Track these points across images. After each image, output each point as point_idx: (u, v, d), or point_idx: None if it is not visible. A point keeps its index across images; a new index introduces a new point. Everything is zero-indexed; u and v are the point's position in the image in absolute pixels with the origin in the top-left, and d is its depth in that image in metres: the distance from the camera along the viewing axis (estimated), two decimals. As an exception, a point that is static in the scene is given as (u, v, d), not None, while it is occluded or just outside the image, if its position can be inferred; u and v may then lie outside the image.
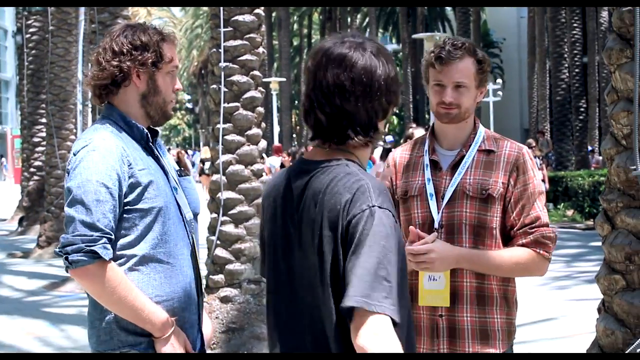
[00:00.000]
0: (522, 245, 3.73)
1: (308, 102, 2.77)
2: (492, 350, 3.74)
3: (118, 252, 3.40)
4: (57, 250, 3.31)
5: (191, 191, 3.78)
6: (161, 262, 3.48)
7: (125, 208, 3.41)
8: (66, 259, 3.25)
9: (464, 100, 3.75)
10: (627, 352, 3.99)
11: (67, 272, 3.33)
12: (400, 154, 4.02)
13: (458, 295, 3.73)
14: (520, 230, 3.75)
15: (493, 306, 3.76)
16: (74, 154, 3.45)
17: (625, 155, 4.07)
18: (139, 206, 3.43)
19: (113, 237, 3.34)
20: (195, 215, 3.81)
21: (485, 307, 3.75)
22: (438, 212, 3.74)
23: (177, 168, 3.83)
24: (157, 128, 3.73)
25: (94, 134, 3.50)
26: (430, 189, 3.79)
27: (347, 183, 2.66)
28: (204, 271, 9.16)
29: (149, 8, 73.78)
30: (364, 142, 2.75)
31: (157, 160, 3.62)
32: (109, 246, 3.30)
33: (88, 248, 3.23)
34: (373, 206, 2.59)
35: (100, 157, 3.38)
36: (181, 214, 3.61)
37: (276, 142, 39.60)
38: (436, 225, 3.73)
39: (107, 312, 3.43)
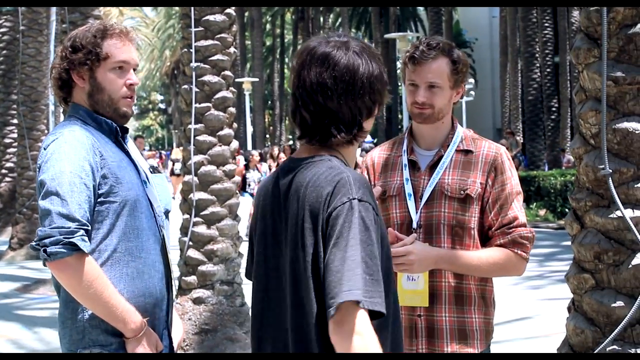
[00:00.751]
0: (500, 245, 3.75)
1: (294, 100, 2.81)
2: (470, 350, 3.76)
3: (94, 246, 3.38)
4: (34, 243, 3.28)
5: (162, 188, 3.79)
6: (133, 256, 3.47)
7: (98, 200, 3.40)
8: (44, 251, 3.22)
9: (437, 101, 3.76)
10: (596, 350, 4.01)
11: (44, 265, 3.31)
12: (378, 153, 4.03)
13: (437, 295, 3.75)
14: (498, 231, 3.77)
15: (471, 306, 3.78)
16: (44, 148, 3.45)
17: (594, 154, 4.09)
18: (110, 198, 3.42)
19: (89, 228, 3.32)
20: (166, 212, 3.80)
21: (464, 307, 3.77)
22: (416, 212, 3.76)
23: (150, 165, 3.81)
24: (126, 126, 3.73)
25: (63, 128, 3.50)
26: (408, 188, 3.80)
27: (329, 176, 2.69)
28: (175, 272, 9.13)
29: (120, 8, 73.48)
30: (347, 139, 2.79)
31: (127, 154, 3.61)
32: (86, 238, 3.28)
33: (66, 240, 3.21)
34: (354, 199, 2.61)
35: (71, 148, 3.38)
36: (152, 208, 3.60)
37: (249, 143, 39.53)
38: (414, 225, 3.75)
39: (79, 311, 3.41)
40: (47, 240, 3.22)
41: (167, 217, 3.82)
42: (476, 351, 3.76)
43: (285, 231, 2.79)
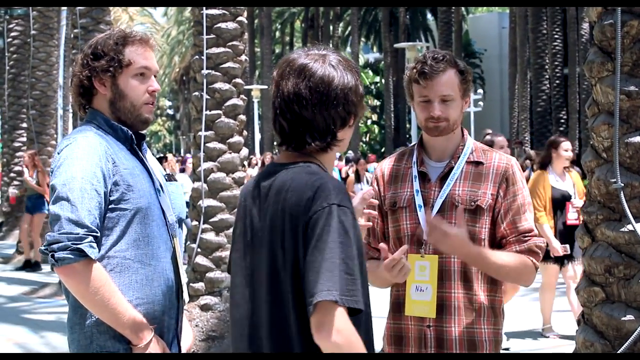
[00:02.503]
0: (517, 252, 3.77)
1: (273, 109, 2.92)
2: None
3: (103, 253, 3.39)
4: (43, 248, 3.29)
5: (177, 196, 3.80)
6: (142, 264, 3.47)
7: (109, 207, 3.41)
8: (52, 256, 3.23)
9: (451, 113, 3.76)
10: (619, 351, 4.00)
11: (52, 270, 3.32)
12: (388, 165, 4.02)
13: (446, 305, 3.75)
14: (514, 238, 3.78)
15: (481, 317, 3.78)
16: (58, 153, 3.47)
17: (606, 168, 4.10)
18: (121, 205, 3.43)
19: (99, 234, 3.33)
20: (180, 220, 3.81)
21: (473, 317, 3.77)
22: (427, 223, 3.75)
23: (165, 173, 3.82)
24: (143, 133, 3.75)
25: (78, 133, 3.52)
26: (419, 200, 3.80)
27: (309, 181, 2.81)
28: (184, 278, 9.13)
29: (131, 14, 73.55)
30: (321, 147, 2.90)
31: (142, 162, 3.63)
32: (95, 244, 3.29)
33: (74, 246, 3.22)
34: (332, 204, 2.73)
35: (84, 154, 3.39)
36: (164, 217, 3.60)
37: (257, 150, 39.59)
38: (425, 236, 3.74)
39: (87, 317, 3.41)
40: (55, 246, 3.23)
41: (180, 225, 3.83)
42: None
43: (263, 231, 2.90)
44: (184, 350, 3.76)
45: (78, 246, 3.23)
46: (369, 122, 63.74)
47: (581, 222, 4.34)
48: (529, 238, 3.79)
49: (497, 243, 3.80)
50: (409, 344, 3.80)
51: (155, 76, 3.69)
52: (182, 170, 17.35)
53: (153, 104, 3.66)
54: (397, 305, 3.87)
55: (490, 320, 3.82)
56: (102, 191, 3.36)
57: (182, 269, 3.73)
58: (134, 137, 3.62)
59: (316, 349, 2.73)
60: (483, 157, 3.86)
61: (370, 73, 70.02)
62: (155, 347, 3.44)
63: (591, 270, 4.20)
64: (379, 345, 3.49)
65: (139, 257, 3.47)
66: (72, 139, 3.49)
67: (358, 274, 2.72)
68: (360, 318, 2.79)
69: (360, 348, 2.72)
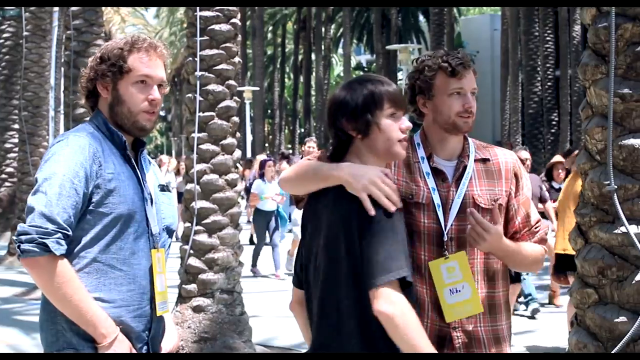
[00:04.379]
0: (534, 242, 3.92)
1: None
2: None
3: (74, 251, 3.43)
4: (15, 237, 3.34)
5: (168, 207, 3.82)
6: (113, 268, 3.50)
7: (88, 208, 3.45)
8: (18, 247, 3.29)
9: (475, 109, 3.81)
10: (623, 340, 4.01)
11: (18, 259, 3.37)
12: None
13: None
14: (528, 231, 3.91)
15: (501, 313, 3.85)
16: (49, 148, 3.54)
17: (599, 170, 4.10)
18: (100, 209, 3.47)
19: (70, 233, 3.37)
20: (170, 231, 3.82)
21: (496, 315, 3.82)
22: (445, 225, 3.73)
23: (162, 183, 3.86)
24: (144, 140, 3.78)
25: (72, 132, 3.59)
26: (437, 199, 3.75)
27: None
28: (176, 280, 9.14)
29: (123, 15, 73.38)
30: None
31: (134, 169, 3.64)
32: (63, 242, 3.33)
33: (40, 240, 3.27)
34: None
35: (71, 152, 3.44)
36: (148, 226, 3.63)
37: (249, 151, 39.55)
38: (445, 237, 3.72)
39: (55, 315, 3.45)
40: (23, 237, 3.29)
41: (170, 235, 3.82)
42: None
43: (319, 237, 3.40)
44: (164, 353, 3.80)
45: (44, 241, 3.28)
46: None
47: (575, 224, 4.36)
48: (538, 228, 3.94)
49: (510, 236, 3.85)
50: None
51: (162, 85, 3.70)
52: (262, 176, 16.70)
53: (153, 113, 3.67)
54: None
55: (506, 315, 3.90)
56: (81, 191, 3.40)
57: (160, 279, 3.70)
58: (127, 143, 3.65)
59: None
60: (487, 153, 3.91)
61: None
62: (120, 347, 3.46)
63: (584, 272, 4.21)
64: None
65: (109, 261, 3.50)
66: (65, 136, 3.55)
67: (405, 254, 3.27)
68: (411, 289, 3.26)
69: (413, 318, 3.19)
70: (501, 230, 3.67)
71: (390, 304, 3.15)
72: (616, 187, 3.99)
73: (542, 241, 3.95)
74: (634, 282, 3.97)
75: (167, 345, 3.84)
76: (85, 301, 3.38)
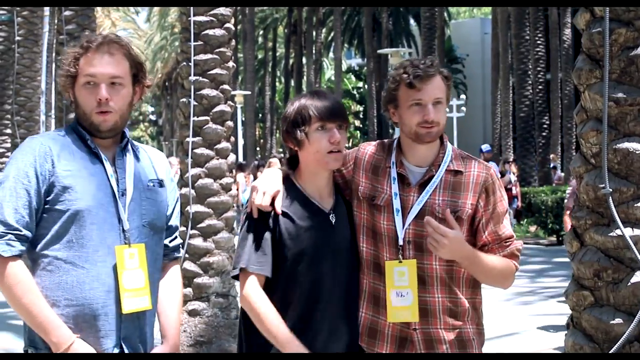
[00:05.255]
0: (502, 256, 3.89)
1: None
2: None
3: (37, 250, 3.46)
4: None
5: (154, 203, 3.76)
6: (75, 266, 3.48)
7: (45, 207, 3.47)
8: None
9: (441, 117, 3.81)
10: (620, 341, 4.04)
11: None
12: (369, 153, 4.03)
13: (430, 309, 3.82)
14: (497, 245, 3.89)
15: (465, 317, 3.88)
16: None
17: (594, 173, 4.14)
18: (57, 207, 3.48)
19: (25, 232, 3.40)
20: (156, 227, 3.77)
21: (458, 319, 3.86)
22: (402, 228, 3.81)
23: (153, 178, 3.82)
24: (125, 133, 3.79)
25: (32, 136, 3.67)
26: (396, 204, 3.83)
27: None
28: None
29: (114, 19, 73.30)
30: None
31: (103, 164, 3.64)
32: (16, 243, 3.37)
33: None
34: None
35: (21, 155, 3.50)
36: (120, 222, 3.60)
37: (240, 155, 39.57)
38: (400, 241, 3.80)
39: None
40: None
41: (156, 232, 3.78)
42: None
43: None
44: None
45: None
46: (351, 127, 63.86)
47: (570, 227, 4.40)
48: (510, 243, 3.92)
49: (479, 249, 3.87)
50: (384, 340, 3.87)
51: (115, 82, 3.64)
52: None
53: (106, 113, 3.62)
54: (377, 299, 3.92)
55: (474, 320, 3.94)
56: (33, 190, 3.44)
57: (131, 276, 3.62)
58: (89, 140, 3.64)
59: None
60: (462, 166, 3.91)
61: (353, 78, 70.14)
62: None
63: (580, 274, 4.25)
64: None
65: (71, 259, 3.49)
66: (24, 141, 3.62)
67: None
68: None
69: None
70: (461, 236, 3.70)
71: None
72: (611, 190, 4.02)
73: (513, 256, 3.94)
74: (629, 284, 4.00)
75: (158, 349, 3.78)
76: (36, 305, 3.38)
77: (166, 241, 3.91)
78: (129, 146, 3.79)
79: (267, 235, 3.75)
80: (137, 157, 3.80)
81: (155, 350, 3.74)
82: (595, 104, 4.13)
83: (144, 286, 3.64)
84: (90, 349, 3.45)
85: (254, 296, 3.70)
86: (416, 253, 3.80)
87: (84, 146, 3.62)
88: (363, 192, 3.91)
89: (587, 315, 4.18)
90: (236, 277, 3.81)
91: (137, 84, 3.75)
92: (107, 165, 3.64)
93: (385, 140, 4.11)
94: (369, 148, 4.07)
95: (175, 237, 3.99)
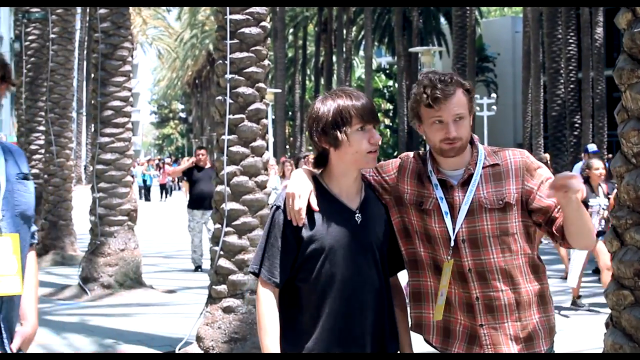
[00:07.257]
0: None
1: None
2: (536, 351, 3.89)
3: None
4: None
5: (24, 194, 3.96)
6: None
7: None
8: None
9: (464, 132, 3.82)
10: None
11: None
12: (412, 161, 4.07)
13: (496, 305, 3.84)
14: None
15: (530, 309, 3.89)
16: None
17: (635, 173, 4.15)
18: None
19: None
20: (26, 217, 3.97)
21: (524, 310, 3.87)
22: (453, 229, 3.85)
23: (19, 172, 4.00)
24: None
25: None
26: (444, 207, 3.88)
27: None
28: (205, 281, 9.18)
29: (144, 17, 73.71)
30: None
31: None
32: None
33: None
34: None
35: None
36: None
37: (271, 153, 39.62)
38: (452, 242, 3.84)
39: None
40: None
41: (26, 221, 4.02)
42: (541, 351, 3.89)
43: None
44: (17, 344, 3.87)
45: None
46: (381, 126, 63.79)
47: (610, 226, 4.41)
48: None
49: (550, 219, 3.86)
50: (456, 338, 3.93)
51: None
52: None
53: None
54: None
55: (540, 309, 3.93)
56: None
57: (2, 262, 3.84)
58: None
59: None
60: (497, 159, 3.95)
61: (384, 77, 70.06)
62: None
63: (620, 273, 4.26)
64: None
65: None
66: None
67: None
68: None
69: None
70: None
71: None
72: (652, 190, 4.03)
73: None
74: (670, 283, 4.02)
75: (19, 336, 3.93)
76: None
77: None
78: None
79: (291, 237, 3.81)
80: (4, 152, 3.98)
81: (17, 331, 3.91)
82: (636, 104, 4.14)
83: (14, 273, 3.85)
84: None
85: (262, 299, 3.84)
86: (473, 250, 3.84)
87: None
88: (409, 198, 3.96)
89: (627, 314, 4.20)
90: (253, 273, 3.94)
91: (3, 83, 3.95)
92: None
93: (420, 152, 4.15)
94: (410, 157, 4.13)
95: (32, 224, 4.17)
